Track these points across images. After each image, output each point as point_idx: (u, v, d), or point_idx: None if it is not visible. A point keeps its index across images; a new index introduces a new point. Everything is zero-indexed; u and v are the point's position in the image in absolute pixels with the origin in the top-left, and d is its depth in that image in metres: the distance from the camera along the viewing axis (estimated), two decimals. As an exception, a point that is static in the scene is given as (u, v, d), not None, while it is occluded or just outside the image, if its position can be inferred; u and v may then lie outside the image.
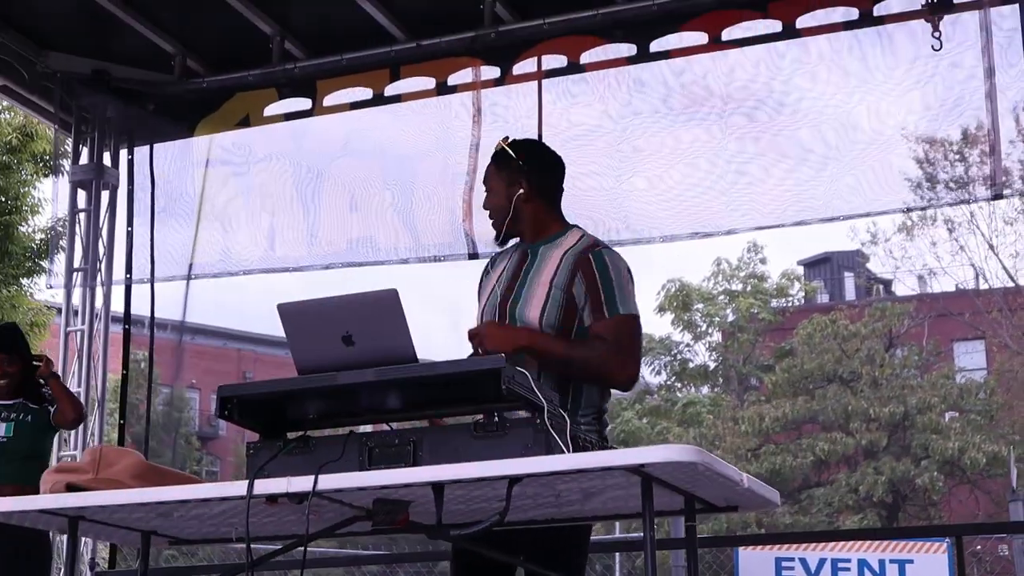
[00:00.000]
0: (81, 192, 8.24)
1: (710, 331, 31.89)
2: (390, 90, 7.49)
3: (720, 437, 27.07)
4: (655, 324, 33.99)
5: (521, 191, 4.05)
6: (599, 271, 3.86)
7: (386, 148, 7.49)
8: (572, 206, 6.85)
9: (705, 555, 12.59)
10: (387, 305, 3.19)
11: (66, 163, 8.43)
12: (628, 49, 6.90)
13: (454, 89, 7.34)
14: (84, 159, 8.25)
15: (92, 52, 8.00)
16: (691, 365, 32.09)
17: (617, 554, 14.62)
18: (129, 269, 8.09)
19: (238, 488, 3.17)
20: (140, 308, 8.06)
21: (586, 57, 7.00)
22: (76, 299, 8.18)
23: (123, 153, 8.29)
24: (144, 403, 8.99)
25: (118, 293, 8.13)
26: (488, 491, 3.17)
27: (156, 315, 8.03)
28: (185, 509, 3.46)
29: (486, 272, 4.23)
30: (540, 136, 6.97)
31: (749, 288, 31.44)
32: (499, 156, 4.16)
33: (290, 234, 7.65)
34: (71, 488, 3.45)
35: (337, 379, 3.21)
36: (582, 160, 6.93)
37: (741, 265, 31.77)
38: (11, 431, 6.20)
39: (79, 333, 8.06)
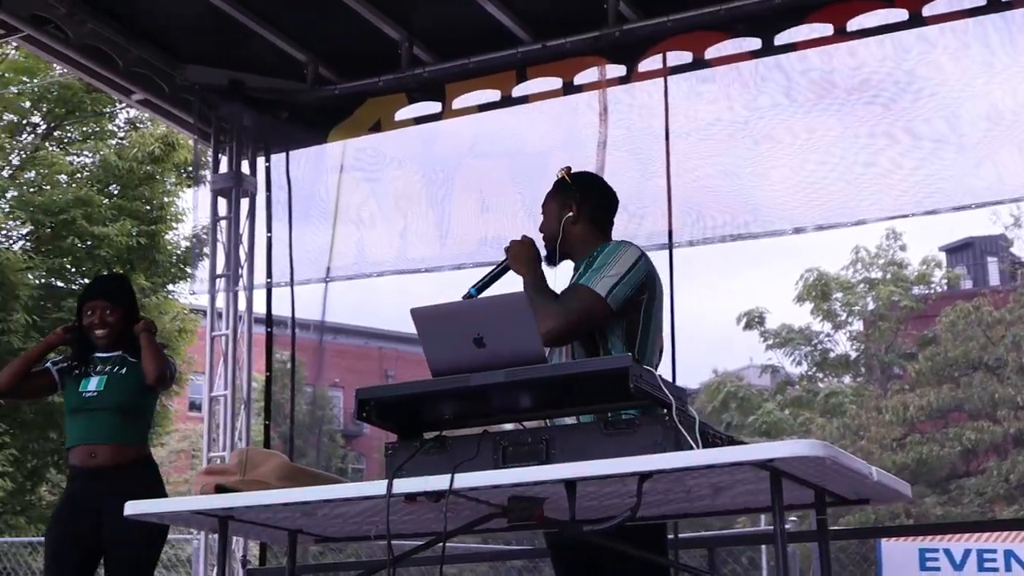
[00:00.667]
0: (221, 200, 8.49)
1: (850, 320, 31.46)
2: (517, 91, 7.58)
3: (864, 427, 26.71)
4: (794, 314, 33.64)
5: (571, 213, 4.31)
6: (594, 257, 4.16)
7: (514, 149, 7.59)
8: (701, 201, 6.92)
9: (849, 546, 12.48)
10: (516, 308, 3.29)
11: (206, 172, 8.67)
12: (753, 43, 6.89)
13: (580, 88, 7.40)
14: (223, 168, 8.49)
15: (228, 63, 8.21)
16: (832, 355, 31.71)
17: (763, 546, 14.54)
18: (269, 273, 8.32)
19: (378, 488, 3.28)
20: (281, 310, 8.31)
21: (711, 52, 7.00)
22: (220, 304, 8.44)
23: (260, 161, 8.51)
24: (289, 403, 9.17)
25: (260, 296, 8.38)
26: (619, 487, 3.23)
27: (297, 316, 8.25)
28: (328, 508, 3.59)
29: None
30: (667, 132, 7.01)
31: (889, 276, 30.93)
32: (557, 184, 4.43)
33: (422, 235, 7.78)
34: (220, 489, 3.60)
35: (469, 380, 3.30)
36: (710, 155, 6.97)
37: (880, 253, 31.26)
38: (103, 385, 5.65)
39: (224, 337, 8.31)
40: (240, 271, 8.37)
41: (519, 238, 4.32)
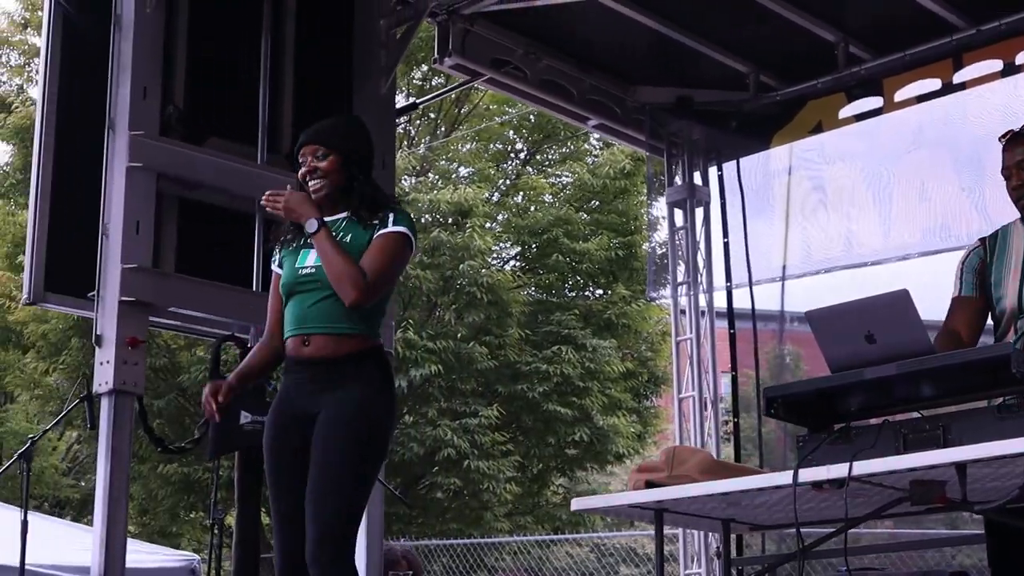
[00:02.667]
0: (677, 211, 8.98)
1: None
2: (956, 78, 7.58)
3: None
4: None
5: None
6: None
7: (955, 136, 7.58)
8: None
9: None
10: (900, 304, 3.51)
11: (663, 185, 9.17)
12: None
13: (1020, 69, 7.31)
14: (677, 180, 8.97)
15: (674, 81, 8.71)
16: None
17: None
18: (729, 277, 8.72)
19: (784, 478, 3.58)
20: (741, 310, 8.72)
21: None
22: (683, 308, 8.93)
23: (712, 170, 8.94)
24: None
25: (720, 299, 8.82)
26: (1014, 468, 3.37)
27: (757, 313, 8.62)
28: (748, 498, 3.91)
29: (980, 253, 4.42)
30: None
31: None
32: None
33: (866, 229, 7.93)
34: (648, 485, 4.01)
35: (864, 375, 3.55)
36: None
37: None
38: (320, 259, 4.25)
39: (688, 341, 8.78)
40: (700, 277, 8.81)
41: None
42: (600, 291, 17.16)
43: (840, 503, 3.87)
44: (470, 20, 7.77)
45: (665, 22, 7.91)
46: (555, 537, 16.08)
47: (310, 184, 4.33)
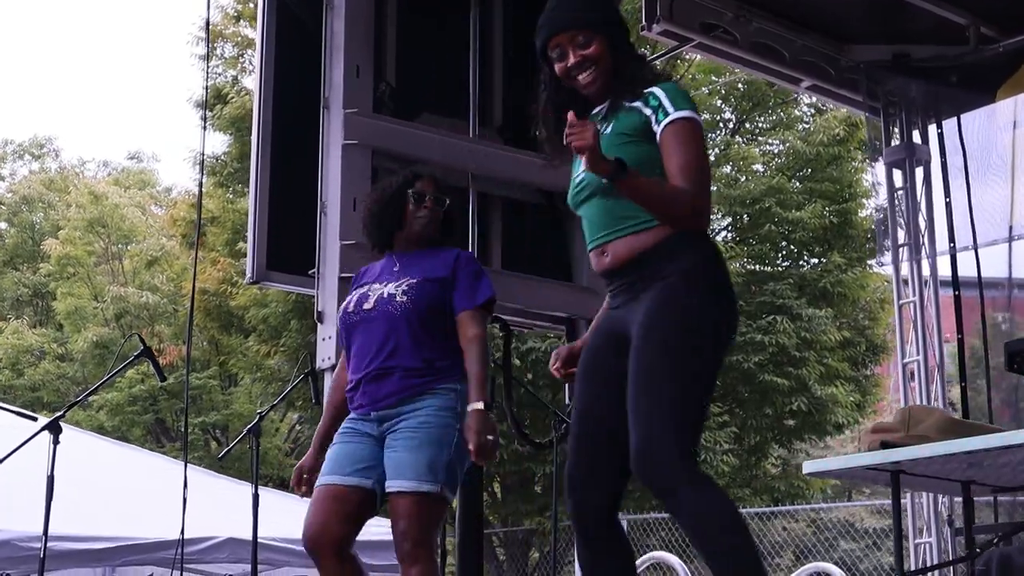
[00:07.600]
0: (896, 172, 8.71)
1: None
2: None
3: None
4: None
5: None
6: None
7: None
8: None
9: None
10: None
11: (880, 146, 8.91)
12: None
13: None
14: (895, 140, 8.71)
15: (889, 38, 8.45)
16: None
17: None
18: (952, 238, 8.42)
19: (1020, 436, 3.42)
20: (966, 273, 8.40)
21: None
22: (905, 272, 8.65)
23: (931, 128, 8.65)
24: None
25: (944, 261, 8.51)
26: None
27: (984, 276, 8.30)
28: (991, 457, 3.75)
29: None
30: None
31: None
32: None
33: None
34: (884, 446, 3.87)
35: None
36: None
37: None
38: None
39: (911, 304, 8.51)
40: (921, 239, 8.54)
41: None
42: (815, 260, 16.84)
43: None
44: (678, -15, 7.67)
45: (878, -22, 7.69)
46: (771, 509, 15.85)
47: (581, 79, 3.62)
